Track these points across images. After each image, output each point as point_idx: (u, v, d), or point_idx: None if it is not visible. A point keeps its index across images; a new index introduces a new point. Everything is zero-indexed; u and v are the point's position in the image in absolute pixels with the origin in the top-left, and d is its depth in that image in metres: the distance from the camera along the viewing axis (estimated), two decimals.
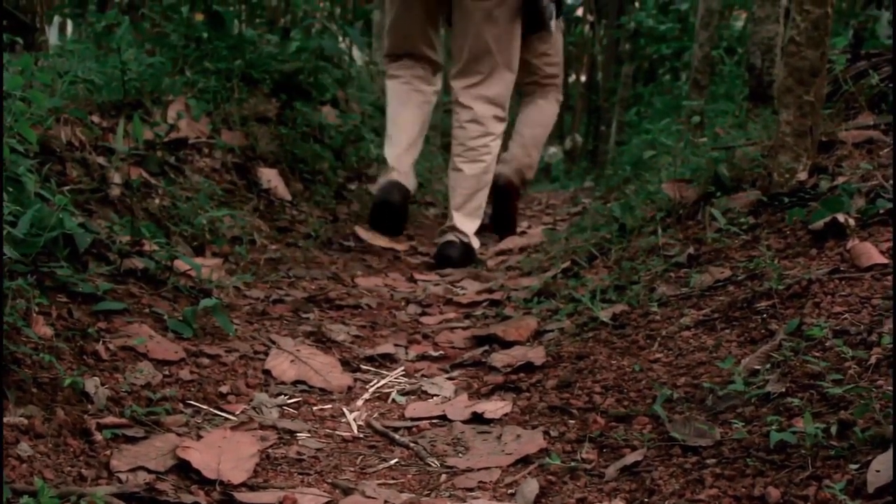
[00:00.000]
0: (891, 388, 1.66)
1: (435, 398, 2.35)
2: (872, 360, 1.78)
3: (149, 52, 4.36)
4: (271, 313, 2.89)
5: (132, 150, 3.13)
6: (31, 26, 3.60)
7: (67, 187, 2.80)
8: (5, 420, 1.72)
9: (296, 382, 2.41)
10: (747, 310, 2.24)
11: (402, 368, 2.57)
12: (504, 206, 4.69)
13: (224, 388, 2.27)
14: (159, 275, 2.69)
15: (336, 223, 4.31)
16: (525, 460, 1.92)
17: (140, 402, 2.06)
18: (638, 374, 2.16)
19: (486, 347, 2.66)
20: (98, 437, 1.84)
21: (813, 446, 1.58)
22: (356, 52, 7.06)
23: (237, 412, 2.17)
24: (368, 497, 1.76)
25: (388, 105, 4.23)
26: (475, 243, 3.98)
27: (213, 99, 4.20)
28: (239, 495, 1.74)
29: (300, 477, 1.87)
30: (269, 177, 4.13)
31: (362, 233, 4.23)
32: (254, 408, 2.21)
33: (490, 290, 3.36)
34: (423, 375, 2.53)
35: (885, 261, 2.17)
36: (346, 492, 1.79)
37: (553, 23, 4.45)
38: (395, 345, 2.75)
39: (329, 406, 2.30)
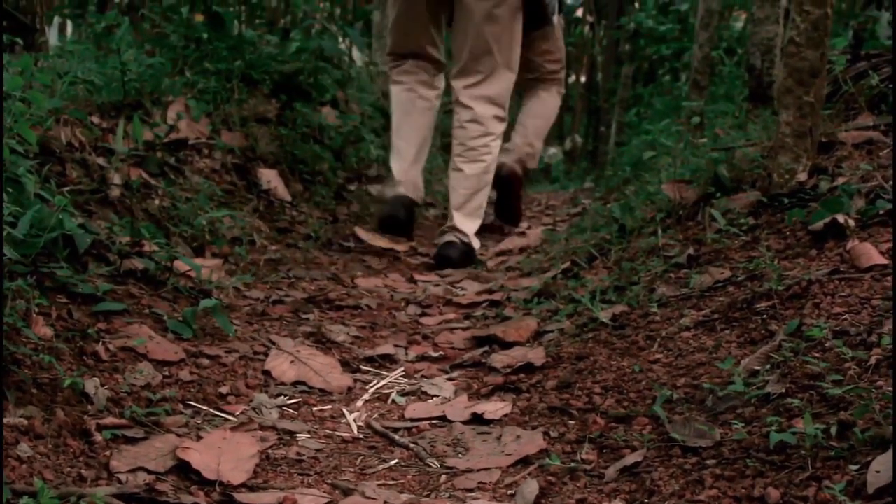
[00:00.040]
0: (891, 388, 1.66)
1: (435, 399, 2.35)
2: (872, 360, 1.78)
3: (149, 52, 4.36)
4: (271, 314, 2.89)
5: (132, 151, 3.13)
6: (30, 27, 3.61)
7: (67, 188, 2.80)
8: (5, 421, 1.72)
9: (295, 383, 2.41)
10: (747, 310, 2.24)
11: (402, 369, 2.57)
12: (508, 195, 4.82)
13: (224, 389, 2.27)
14: (159, 275, 2.69)
15: (336, 224, 4.31)
16: (525, 461, 1.92)
17: (140, 402, 2.06)
18: (638, 375, 2.16)
19: (486, 348, 2.66)
20: (98, 437, 1.84)
21: (813, 447, 1.58)
22: (356, 53, 7.05)
23: (237, 413, 2.17)
24: (368, 498, 1.76)
25: (393, 114, 4.24)
26: (475, 244, 3.98)
27: (213, 100, 4.20)
28: (239, 496, 1.74)
29: (300, 478, 1.87)
30: (269, 177, 4.13)
31: (362, 234, 4.23)
32: (254, 408, 2.21)
33: (490, 291, 3.36)
34: (422, 376, 2.53)
35: (885, 261, 2.17)
36: (346, 492, 1.79)
37: (555, 17, 4.50)
38: (395, 345, 2.75)
39: (329, 407, 2.30)
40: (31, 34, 3.64)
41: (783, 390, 1.81)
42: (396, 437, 2.09)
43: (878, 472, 1.43)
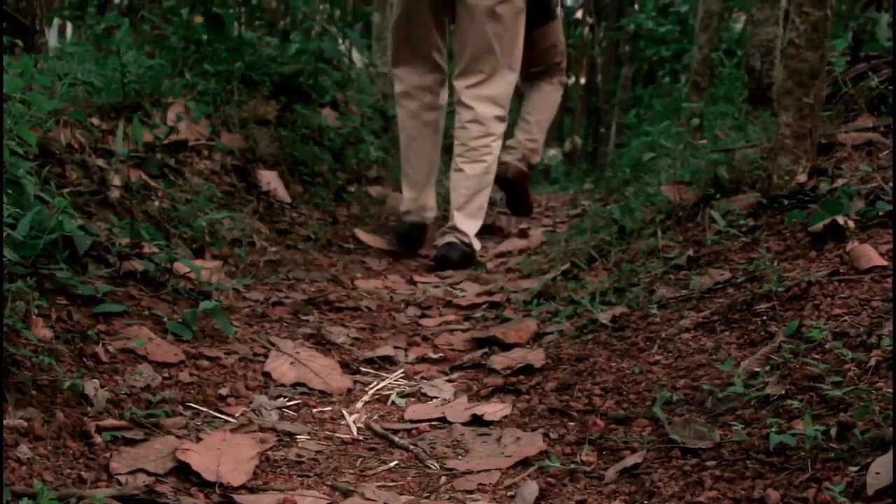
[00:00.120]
0: (890, 390, 1.66)
1: (434, 400, 2.35)
2: (872, 362, 1.78)
3: (148, 54, 4.36)
4: (271, 315, 2.89)
5: (132, 153, 3.13)
6: (30, 28, 3.61)
7: (67, 189, 2.80)
8: (5, 422, 1.72)
9: (295, 385, 2.41)
10: (747, 312, 2.24)
11: (402, 370, 2.57)
12: (516, 193, 5.05)
13: (223, 391, 2.27)
14: (159, 277, 2.69)
15: (336, 225, 4.31)
16: (524, 462, 1.92)
17: (139, 404, 2.06)
18: (637, 377, 2.16)
19: (486, 350, 2.66)
20: (97, 439, 1.84)
21: (812, 448, 1.58)
22: (356, 55, 7.05)
23: (237, 414, 2.17)
24: (368, 499, 1.76)
25: (400, 137, 4.30)
26: (476, 244, 3.98)
27: (213, 101, 4.20)
28: (238, 497, 1.74)
29: (300, 479, 1.87)
30: (269, 179, 4.13)
31: (362, 235, 4.24)
32: (253, 410, 2.21)
33: (490, 293, 3.35)
34: (422, 377, 2.53)
35: (885, 263, 2.17)
36: (346, 494, 1.79)
37: (557, 9, 4.58)
38: (395, 347, 2.75)
39: (329, 408, 2.30)
40: (30, 36, 3.64)
41: (783, 392, 1.81)
42: (396, 438, 2.09)
43: (877, 473, 1.43)
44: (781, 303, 2.18)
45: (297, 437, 2.09)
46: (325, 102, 5.06)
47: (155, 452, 1.84)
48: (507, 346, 2.64)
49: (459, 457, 1.99)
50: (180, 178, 3.54)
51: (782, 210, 2.65)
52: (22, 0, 3.57)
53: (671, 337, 2.29)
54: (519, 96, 5.14)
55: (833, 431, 1.60)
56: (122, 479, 1.74)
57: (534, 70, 4.92)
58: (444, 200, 4.50)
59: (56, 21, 7.65)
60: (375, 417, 2.25)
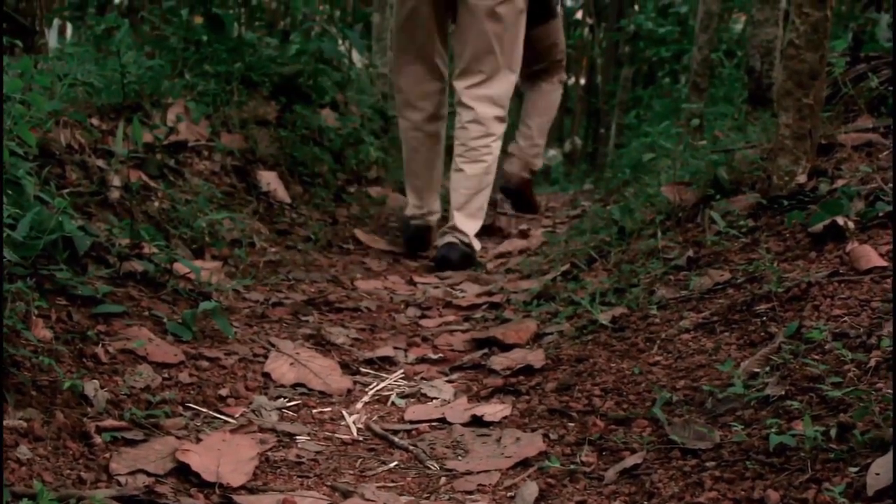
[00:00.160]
0: (890, 390, 1.66)
1: (434, 401, 2.35)
2: (872, 362, 1.78)
3: (148, 54, 4.36)
4: (271, 316, 2.89)
5: (131, 153, 3.13)
6: (30, 29, 3.60)
7: (67, 190, 2.80)
8: (5, 423, 1.72)
9: (295, 385, 2.40)
10: (747, 312, 2.24)
11: (402, 371, 2.57)
12: (521, 199, 5.15)
13: (223, 391, 2.27)
14: (159, 278, 2.69)
15: (335, 226, 4.31)
16: (524, 463, 1.92)
17: (139, 404, 2.06)
18: (637, 377, 2.16)
19: (486, 350, 2.66)
20: (97, 439, 1.84)
21: (812, 449, 1.58)
22: (356, 55, 7.05)
23: (236, 415, 2.17)
24: (368, 500, 1.76)
25: (403, 148, 4.34)
26: (476, 245, 3.98)
27: (213, 102, 4.20)
28: (238, 498, 1.74)
29: (299, 480, 1.87)
30: (269, 179, 4.13)
31: (362, 236, 4.24)
32: (253, 410, 2.21)
33: (489, 293, 3.35)
34: (422, 378, 2.53)
35: (885, 263, 2.17)
36: (346, 494, 1.79)
37: (556, 5, 4.62)
38: (395, 347, 2.75)
39: (328, 409, 2.30)
40: (30, 36, 3.63)
41: (783, 392, 1.81)
42: (396, 439, 2.09)
43: (877, 474, 1.43)
44: (781, 303, 2.18)
45: (297, 437, 2.09)
46: (325, 103, 5.06)
47: (155, 453, 1.84)
48: (506, 347, 2.64)
49: (459, 457, 1.99)
50: (180, 178, 3.54)
51: (782, 211, 2.65)
52: (22, 0, 3.57)
53: (671, 338, 2.29)
54: (518, 96, 5.15)
55: (833, 432, 1.60)
56: (122, 479, 1.74)
57: (535, 68, 4.95)
58: (444, 200, 4.50)
59: (56, 22, 7.65)
60: (375, 418, 2.25)
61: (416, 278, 3.69)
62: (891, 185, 2.48)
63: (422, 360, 2.68)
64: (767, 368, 1.93)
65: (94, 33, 5.23)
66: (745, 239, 2.64)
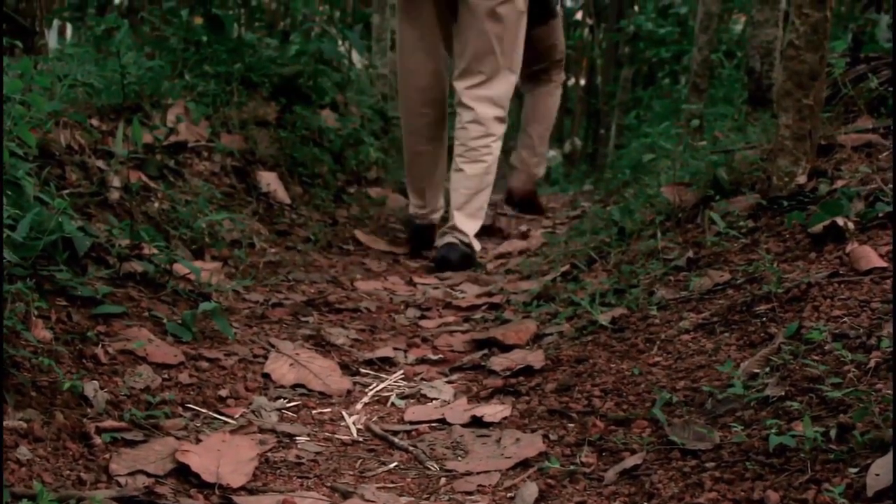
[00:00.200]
0: (890, 391, 1.66)
1: (434, 402, 2.35)
2: (872, 363, 1.78)
3: (148, 55, 4.36)
4: (270, 317, 2.89)
5: (131, 154, 3.13)
6: (30, 30, 3.60)
7: (67, 191, 2.80)
8: (5, 423, 1.72)
9: (295, 386, 2.40)
10: (746, 313, 2.24)
11: (402, 372, 2.57)
12: (527, 205, 5.28)
13: (223, 392, 2.27)
14: (158, 278, 2.69)
15: (335, 226, 4.31)
16: (524, 464, 1.92)
17: (139, 405, 2.06)
18: (637, 378, 2.16)
19: (486, 351, 2.66)
20: (97, 440, 1.84)
21: (812, 450, 1.58)
22: (355, 56, 7.05)
23: (236, 416, 2.17)
24: (367, 501, 1.76)
25: (405, 151, 4.37)
26: (476, 245, 3.98)
27: (213, 102, 4.20)
28: (238, 499, 1.74)
29: (299, 480, 1.87)
30: (269, 180, 4.13)
31: (361, 236, 4.24)
32: (253, 411, 2.21)
33: (489, 294, 3.36)
34: (422, 379, 2.53)
35: (885, 264, 2.17)
36: (346, 495, 1.79)
37: (556, 5, 4.65)
38: (395, 348, 2.75)
39: (328, 409, 2.30)
40: (30, 37, 3.63)
41: (782, 393, 1.81)
42: (396, 439, 2.09)
43: (877, 475, 1.43)
44: (781, 304, 2.18)
45: (297, 438, 2.09)
46: (325, 104, 5.06)
47: (154, 454, 1.84)
48: (506, 348, 2.64)
49: (459, 458, 1.99)
50: (180, 179, 3.54)
51: (782, 211, 2.65)
52: (22, 1, 3.57)
53: (671, 338, 2.29)
54: (518, 97, 5.16)
55: (833, 433, 1.60)
56: (122, 480, 1.74)
57: (534, 68, 4.97)
58: (445, 200, 4.51)
59: (56, 22, 7.65)
60: (375, 419, 2.25)
61: (416, 279, 3.69)
62: (891, 185, 2.48)
63: (422, 360, 2.68)
64: (767, 369, 1.93)
65: (94, 34, 5.23)
66: (745, 240, 2.64)
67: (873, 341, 1.85)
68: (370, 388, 2.45)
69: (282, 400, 2.32)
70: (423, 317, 3.14)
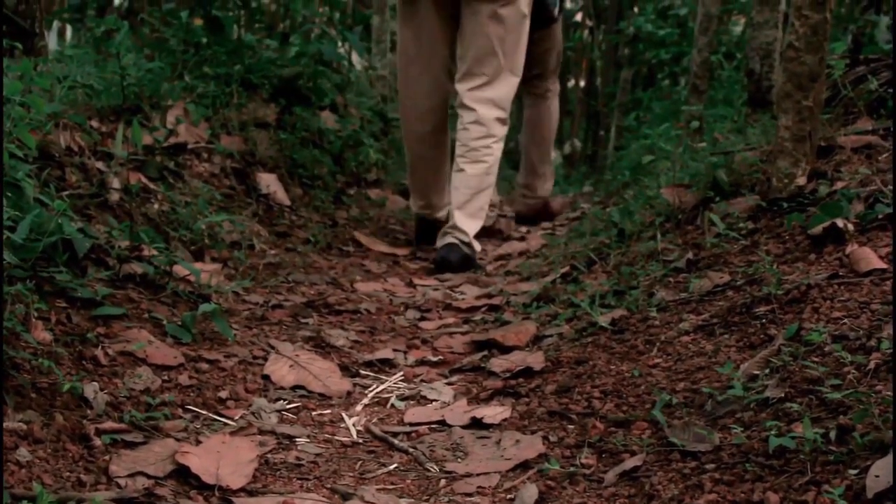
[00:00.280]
0: (890, 393, 1.66)
1: (434, 403, 2.35)
2: (871, 365, 1.78)
3: (148, 57, 4.36)
4: (270, 318, 2.89)
5: (131, 156, 3.13)
6: (30, 31, 3.60)
7: (66, 192, 2.80)
8: (4, 425, 1.72)
9: (295, 387, 2.40)
10: (746, 315, 2.24)
11: (401, 373, 2.57)
12: (540, 219, 5.35)
13: (223, 394, 2.27)
14: (158, 280, 2.69)
15: (335, 228, 4.31)
16: (524, 465, 1.92)
17: (139, 407, 2.06)
18: (637, 380, 2.16)
19: (485, 352, 2.66)
20: (97, 442, 1.84)
21: (812, 451, 1.58)
22: (355, 58, 7.05)
23: (236, 417, 2.17)
24: (367, 502, 1.76)
25: (407, 155, 4.39)
26: (476, 245, 3.99)
27: (213, 104, 4.20)
28: (238, 500, 1.74)
29: (299, 482, 1.87)
30: (268, 182, 4.13)
31: (361, 238, 4.24)
32: (253, 413, 2.21)
33: (489, 295, 3.36)
34: (422, 380, 2.53)
35: (884, 266, 2.17)
36: (346, 497, 1.79)
37: (556, 10, 4.65)
38: (395, 350, 2.75)
39: (328, 411, 2.30)
40: (30, 38, 3.63)
41: (782, 395, 1.81)
42: (396, 441, 2.09)
43: (877, 476, 1.43)
44: (781, 306, 2.18)
45: (297, 439, 2.09)
46: (325, 105, 5.06)
47: (154, 455, 1.84)
48: (506, 349, 2.64)
49: (459, 460, 1.99)
50: (180, 180, 3.54)
51: (782, 213, 2.65)
52: (21, 3, 3.57)
53: (670, 340, 2.29)
54: (518, 97, 5.17)
55: (832, 434, 1.60)
56: (122, 482, 1.74)
57: (532, 72, 4.95)
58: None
59: (55, 24, 7.65)
60: (375, 420, 2.24)
61: (416, 280, 3.69)
62: (890, 187, 2.48)
63: (421, 362, 2.68)
64: (767, 371, 1.93)
65: (94, 35, 5.23)
66: (745, 241, 2.64)
67: (873, 343, 1.85)
68: (370, 389, 2.45)
69: (282, 401, 2.32)
70: (422, 318, 3.14)
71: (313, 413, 2.28)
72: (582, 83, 13.19)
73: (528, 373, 2.41)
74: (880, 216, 2.39)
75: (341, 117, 5.18)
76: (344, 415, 2.27)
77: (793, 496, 1.51)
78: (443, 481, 1.88)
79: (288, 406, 2.30)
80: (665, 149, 4.28)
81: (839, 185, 2.62)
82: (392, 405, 2.35)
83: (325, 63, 5.27)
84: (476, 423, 2.17)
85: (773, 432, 1.68)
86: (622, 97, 10.23)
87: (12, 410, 1.80)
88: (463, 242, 3.88)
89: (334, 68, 5.65)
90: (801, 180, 2.68)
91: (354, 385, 2.47)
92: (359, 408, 2.33)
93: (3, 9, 3.43)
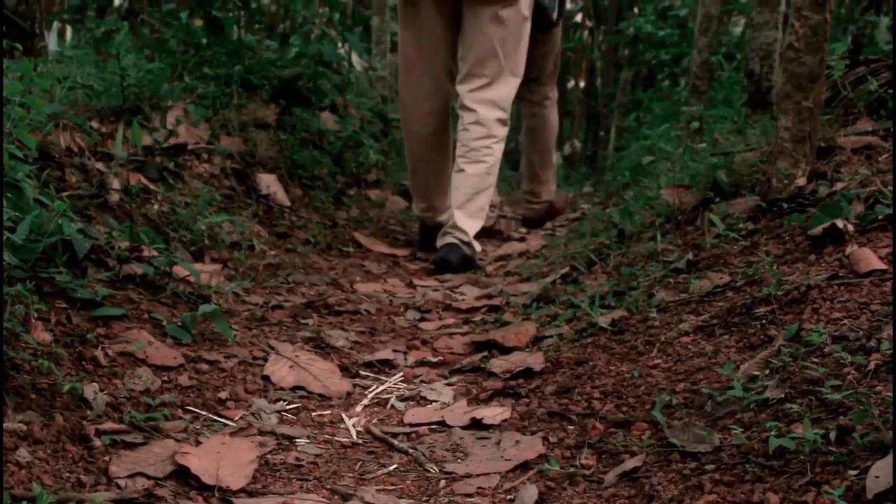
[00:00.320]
0: (890, 393, 1.66)
1: (434, 404, 2.35)
2: (871, 365, 1.78)
3: (148, 57, 4.36)
4: (270, 319, 2.89)
5: (131, 156, 3.13)
6: (30, 32, 3.60)
7: (66, 193, 2.80)
8: (4, 426, 1.72)
9: (295, 388, 2.40)
10: (746, 315, 2.24)
11: (401, 374, 2.57)
12: (546, 220, 5.38)
13: (223, 394, 2.27)
14: (158, 280, 2.69)
15: (335, 229, 4.31)
16: (524, 466, 1.92)
17: (139, 407, 2.06)
18: (637, 380, 2.16)
19: (485, 353, 2.66)
20: (97, 442, 1.84)
21: (812, 452, 1.58)
22: (355, 58, 7.06)
23: (236, 418, 2.17)
24: (367, 503, 1.76)
25: (408, 159, 4.40)
26: (476, 246, 3.99)
27: (212, 104, 4.20)
28: (238, 501, 1.74)
29: (299, 483, 1.87)
30: (268, 182, 4.13)
31: (361, 238, 4.24)
32: (253, 413, 2.21)
33: (489, 296, 3.36)
34: (422, 381, 2.53)
35: (884, 266, 2.17)
36: (345, 498, 1.79)
37: (554, 14, 4.66)
38: (394, 350, 2.75)
39: (328, 412, 2.30)
40: (30, 39, 3.64)
41: (782, 395, 1.81)
42: (395, 442, 2.09)
43: (877, 477, 1.43)
44: (781, 306, 2.18)
45: (297, 440, 2.09)
46: (325, 106, 5.06)
47: (154, 456, 1.84)
48: (506, 350, 2.64)
49: (459, 460, 1.99)
50: (180, 181, 3.54)
51: (781, 214, 2.65)
52: (21, 3, 3.57)
53: (670, 340, 2.29)
54: (518, 98, 5.17)
55: (832, 435, 1.60)
56: (122, 482, 1.74)
57: (525, 77, 4.92)
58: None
59: (56, 24, 7.66)
60: (375, 421, 2.24)
61: (416, 281, 3.69)
62: (890, 187, 2.48)
63: (421, 363, 2.68)
64: (767, 371, 1.93)
65: (94, 36, 5.23)
66: (745, 242, 2.64)
67: (873, 343, 1.85)
68: (370, 390, 2.45)
69: (281, 402, 2.32)
70: (422, 319, 3.14)
71: (313, 414, 2.28)
72: (582, 84, 13.20)
73: (528, 373, 2.41)
74: (880, 217, 2.39)
75: (341, 118, 5.19)
76: (344, 415, 2.27)
77: (793, 497, 1.51)
78: (443, 482, 1.88)
79: (288, 407, 2.29)
80: (665, 149, 4.29)
81: (839, 185, 2.62)
82: (392, 406, 2.35)
83: (325, 64, 5.28)
84: (476, 424, 2.17)
85: (773, 433, 1.68)
86: (622, 98, 10.24)
87: (12, 411, 1.80)
88: (463, 242, 3.88)
89: (334, 69, 5.66)
90: (801, 181, 2.68)
91: (354, 386, 2.47)
92: (359, 408, 2.33)
93: (3, 9, 3.43)
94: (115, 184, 3.05)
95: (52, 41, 6.83)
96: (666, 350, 2.26)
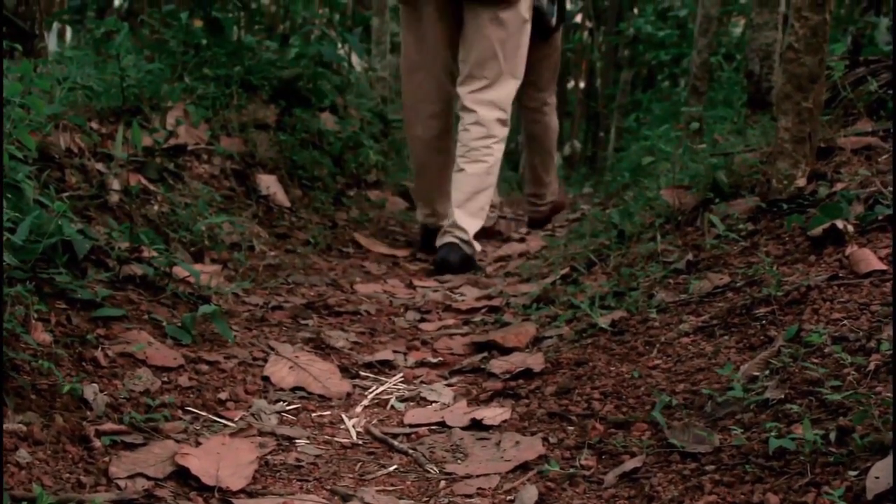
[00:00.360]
0: (890, 394, 1.66)
1: (434, 404, 2.35)
2: (871, 366, 1.78)
3: (148, 58, 4.37)
4: (270, 320, 2.89)
5: (131, 157, 3.13)
6: (30, 33, 3.61)
7: (66, 194, 2.80)
8: (4, 426, 1.72)
9: (294, 389, 2.40)
10: (746, 316, 2.24)
11: (401, 375, 2.57)
12: (552, 218, 5.41)
13: (223, 395, 2.27)
14: (158, 281, 2.69)
15: (335, 229, 4.31)
16: (524, 467, 1.92)
17: (139, 408, 2.06)
18: (637, 381, 2.16)
19: (485, 354, 2.66)
20: (97, 443, 1.84)
21: (812, 453, 1.58)
22: (355, 59, 7.06)
23: (236, 419, 2.17)
24: None
25: (412, 161, 4.44)
26: (476, 246, 3.99)
27: (212, 105, 4.20)
28: (238, 502, 1.73)
29: (299, 483, 1.87)
30: (268, 183, 4.13)
31: (361, 239, 4.24)
32: (252, 414, 2.21)
33: (489, 297, 3.36)
34: (421, 382, 2.53)
35: (884, 267, 2.17)
36: (345, 498, 1.79)
37: (553, 20, 4.66)
38: (394, 351, 2.75)
39: (328, 412, 2.30)
40: (30, 40, 3.64)
41: (782, 396, 1.81)
42: (395, 442, 2.09)
43: (877, 477, 1.43)
44: (781, 307, 2.18)
45: (297, 441, 2.09)
46: (325, 107, 5.07)
47: (154, 457, 1.84)
48: (506, 351, 2.64)
49: (459, 461, 1.99)
50: (179, 182, 3.54)
51: (781, 214, 2.65)
52: (21, 4, 3.58)
53: (670, 341, 2.29)
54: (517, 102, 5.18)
55: (832, 436, 1.60)
56: (122, 483, 1.73)
57: (527, 79, 4.94)
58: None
59: (55, 25, 7.66)
60: (375, 422, 2.24)
61: (416, 282, 3.69)
62: (890, 188, 2.48)
63: (421, 363, 2.68)
64: (767, 372, 1.93)
65: (94, 37, 5.24)
66: (745, 242, 2.64)
67: (873, 344, 1.85)
68: (370, 390, 2.45)
69: (281, 403, 2.32)
70: (422, 320, 3.14)
71: (313, 414, 2.28)
72: (582, 85, 13.20)
73: (527, 374, 2.41)
74: (880, 217, 2.39)
75: (341, 119, 5.19)
76: (344, 416, 2.27)
77: (793, 497, 1.51)
78: (443, 483, 1.88)
79: (288, 407, 2.29)
80: (665, 150, 4.29)
81: (839, 186, 2.62)
82: (392, 406, 2.35)
83: (325, 64, 5.28)
84: (476, 425, 2.17)
85: (773, 434, 1.68)
86: (622, 98, 10.24)
87: (12, 412, 1.80)
88: (463, 241, 3.88)
89: (334, 70, 5.66)
90: (801, 182, 2.68)
91: (354, 386, 2.47)
92: (359, 409, 2.33)
93: (2, 10, 3.43)
94: (115, 184, 3.05)
95: (51, 42, 6.83)
96: (666, 351, 2.26)
